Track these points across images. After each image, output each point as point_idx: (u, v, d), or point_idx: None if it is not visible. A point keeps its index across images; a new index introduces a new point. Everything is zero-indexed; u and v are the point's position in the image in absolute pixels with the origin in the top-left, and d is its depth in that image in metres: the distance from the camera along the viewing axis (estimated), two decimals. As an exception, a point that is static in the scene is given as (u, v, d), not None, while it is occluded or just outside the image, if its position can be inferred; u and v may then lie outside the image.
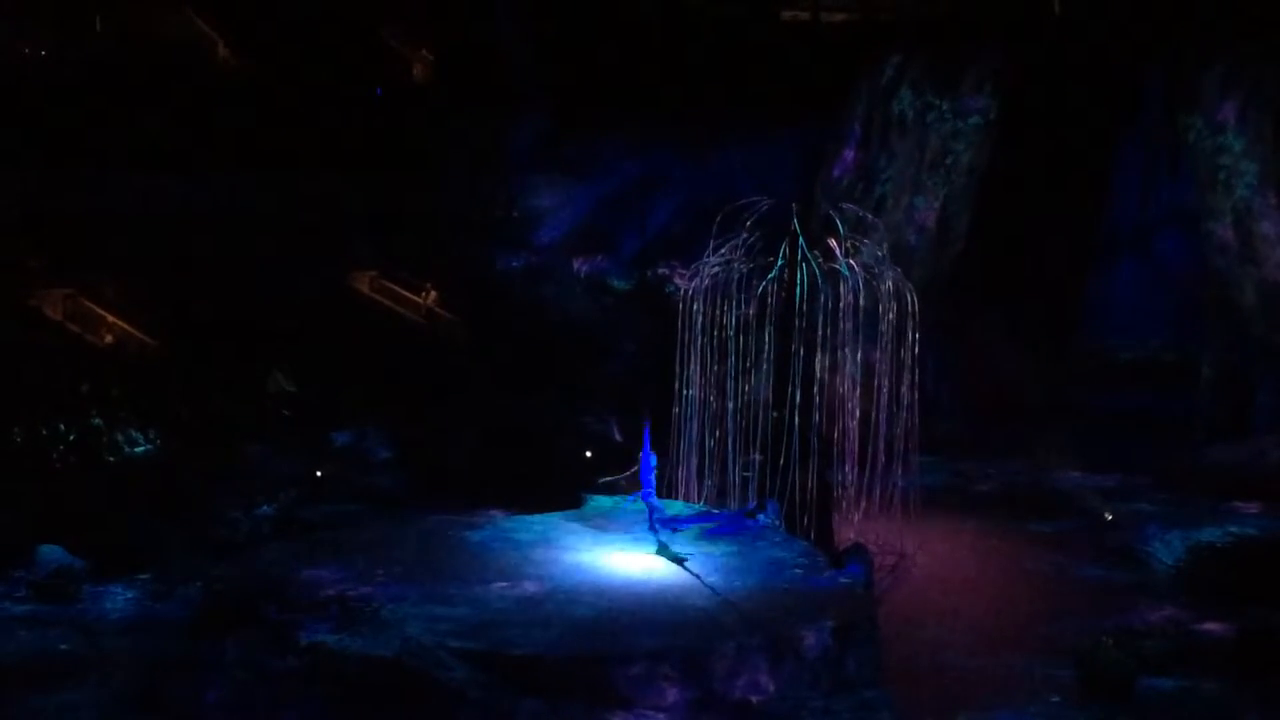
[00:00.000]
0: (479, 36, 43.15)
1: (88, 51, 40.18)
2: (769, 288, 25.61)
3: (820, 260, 25.64)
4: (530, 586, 20.66)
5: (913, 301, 26.49)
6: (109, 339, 34.46)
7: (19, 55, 40.39)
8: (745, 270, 25.94)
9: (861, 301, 25.92)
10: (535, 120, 41.49)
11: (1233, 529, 27.52)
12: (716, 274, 26.16)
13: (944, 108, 37.93)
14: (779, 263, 25.53)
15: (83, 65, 39.06)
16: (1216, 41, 35.97)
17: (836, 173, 39.25)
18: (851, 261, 25.87)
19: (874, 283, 26.13)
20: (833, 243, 25.82)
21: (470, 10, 43.84)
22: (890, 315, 26.28)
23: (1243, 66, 35.44)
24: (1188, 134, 36.12)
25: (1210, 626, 22.79)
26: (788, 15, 45.33)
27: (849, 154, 39.28)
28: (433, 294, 40.06)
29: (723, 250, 26.21)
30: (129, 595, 23.50)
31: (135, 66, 38.99)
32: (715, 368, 26.42)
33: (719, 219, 26.33)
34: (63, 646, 21.25)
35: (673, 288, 37.26)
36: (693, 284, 26.55)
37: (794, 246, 25.55)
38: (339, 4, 43.37)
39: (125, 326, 34.64)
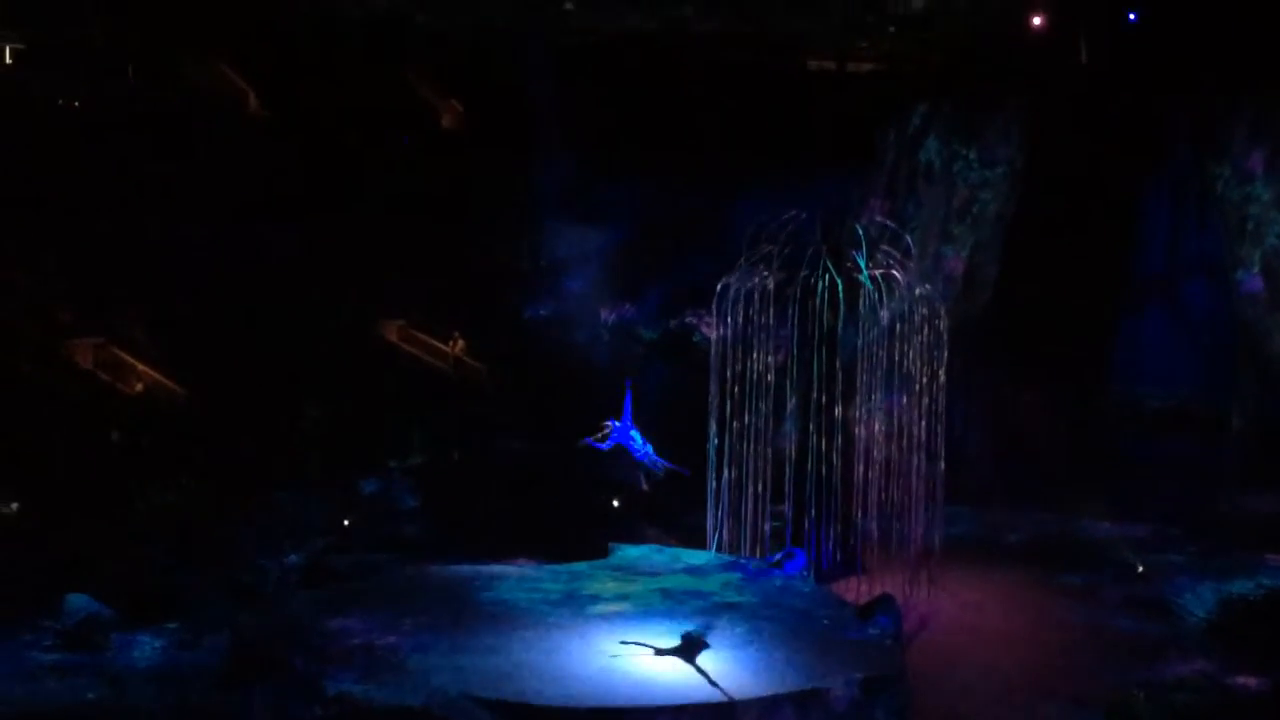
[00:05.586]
0: (508, 86, 43.45)
1: (121, 102, 40.61)
2: (794, 306, 25.75)
3: (854, 276, 25.77)
4: (556, 636, 20.60)
5: (943, 336, 26.52)
6: (139, 387, 34.64)
7: (54, 105, 40.87)
8: (775, 284, 26.08)
9: (888, 317, 25.97)
10: (562, 170, 41.71)
11: (1264, 581, 27.28)
12: (745, 288, 26.29)
13: (971, 157, 37.96)
14: (803, 273, 25.71)
15: (116, 115, 39.48)
16: (1243, 91, 35.96)
17: (864, 221, 39.26)
18: (876, 273, 25.98)
19: (905, 315, 26.17)
20: (857, 262, 25.98)
21: (500, 60, 44.17)
22: (920, 337, 26.25)
23: (1270, 116, 35.41)
24: (1215, 183, 36.08)
25: (1242, 680, 22.58)
26: (814, 65, 45.62)
27: (877, 202, 39.31)
28: (460, 343, 40.19)
29: (754, 262, 26.43)
30: (157, 644, 23.48)
31: (167, 117, 39.38)
32: (744, 417, 26.47)
33: (748, 237, 26.57)
34: (90, 695, 21.26)
35: (700, 337, 37.33)
36: (721, 304, 26.68)
37: (819, 262, 25.75)
38: (368, 54, 43.76)
39: (155, 375, 34.82)
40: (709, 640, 20.43)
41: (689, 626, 20.96)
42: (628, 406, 24.32)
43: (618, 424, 24.32)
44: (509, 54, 43.60)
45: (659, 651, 20.11)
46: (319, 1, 43.54)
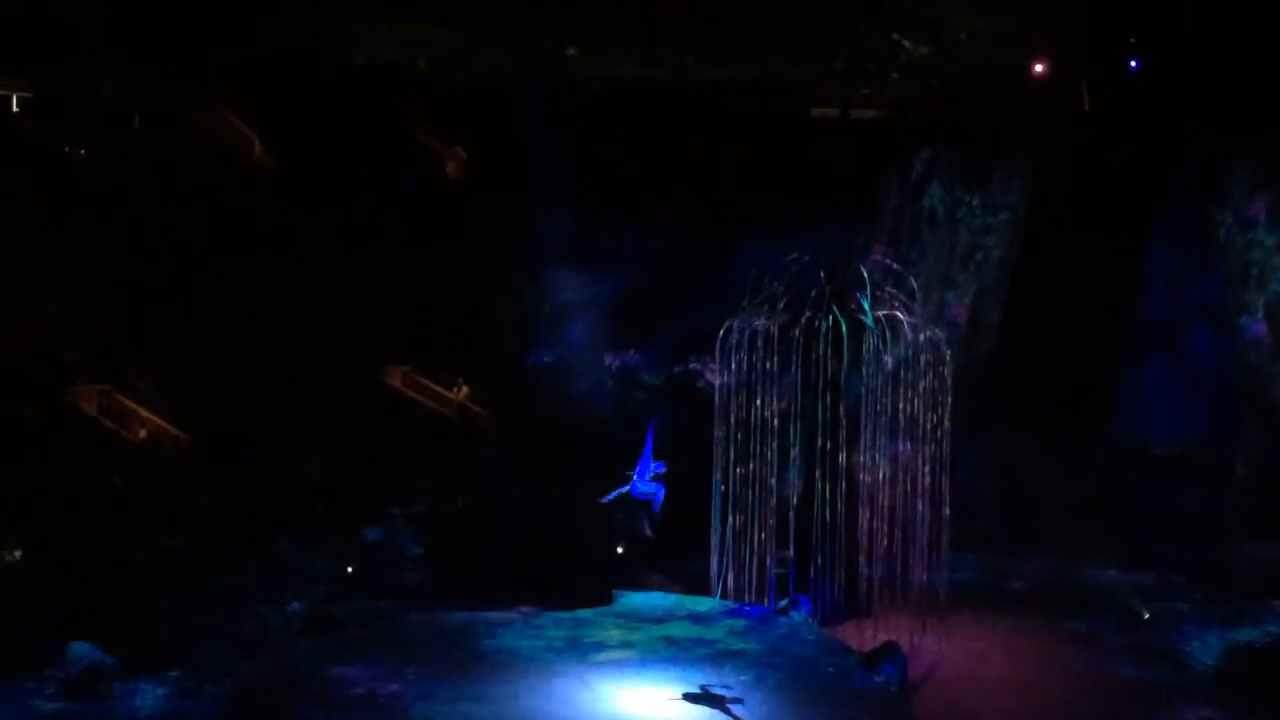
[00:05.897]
0: (511, 132, 43.61)
1: (127, 149, 40.79)
2: (798, 351, 25.79)
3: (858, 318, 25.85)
4: (560, 683, 20.54)
5: (947, 382, 26.53)
6: (143, 434, 34.64)
7: (60, 153, 41.07)
8: (779, 327, 26.11)
9: (892, 362, 26.00)
10: (566, 215, 41.82)
11: (1270, 628, 27.22)
12: (748, 331, 26.33)
13: (974, 203, 38.02)
14: (806, 314, 25.79)
15: (122, 162, 39.65)
16: (1245, 137, 36.04)
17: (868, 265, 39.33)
18: (880, 315, 26.03)
19: (909, 360, 26.19)
20: (861, 304, 26.04)
21: (503, 106, 44.35)
22: (925, 382, 26.24)
23: (1272, 162, 35.46)
24: (1218, 230, 36.12)
25: (1250, 728, 22.53)
26: (818, 113, 45.83)
27: (880, 249, 39.36)
28: (465, 389, 40.19)
29: (758, 303, 26.48)
30: (159, 693, 23.36)
31: (172, 164, 39.54)
32: (747, 463, 26.46)
33: (751, 280, 26.61)
34: (93, 744, 21.24)
35: (704, 383, 37.34)
36: (725, 348, 26.70)
37: (824, 305, 25.79)
38: (373, 102, 43.96)
39: (159, 421, 34.83)
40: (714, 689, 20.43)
41: (694, 674, 20.91)
42: (648, 449, 24.31)
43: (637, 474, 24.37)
44: (512, 100, 43.76)
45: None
46: (323, 48, 43.71)
